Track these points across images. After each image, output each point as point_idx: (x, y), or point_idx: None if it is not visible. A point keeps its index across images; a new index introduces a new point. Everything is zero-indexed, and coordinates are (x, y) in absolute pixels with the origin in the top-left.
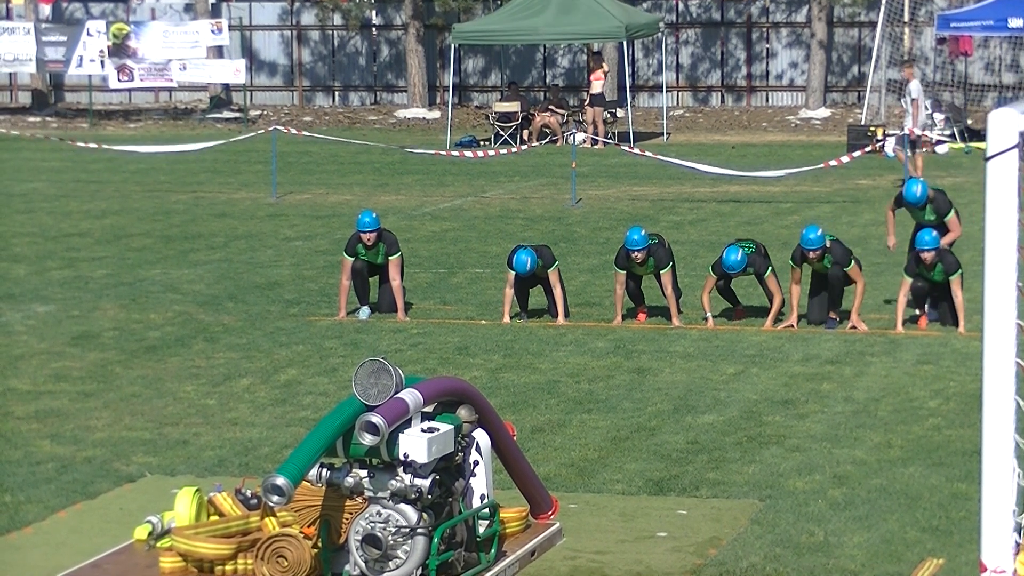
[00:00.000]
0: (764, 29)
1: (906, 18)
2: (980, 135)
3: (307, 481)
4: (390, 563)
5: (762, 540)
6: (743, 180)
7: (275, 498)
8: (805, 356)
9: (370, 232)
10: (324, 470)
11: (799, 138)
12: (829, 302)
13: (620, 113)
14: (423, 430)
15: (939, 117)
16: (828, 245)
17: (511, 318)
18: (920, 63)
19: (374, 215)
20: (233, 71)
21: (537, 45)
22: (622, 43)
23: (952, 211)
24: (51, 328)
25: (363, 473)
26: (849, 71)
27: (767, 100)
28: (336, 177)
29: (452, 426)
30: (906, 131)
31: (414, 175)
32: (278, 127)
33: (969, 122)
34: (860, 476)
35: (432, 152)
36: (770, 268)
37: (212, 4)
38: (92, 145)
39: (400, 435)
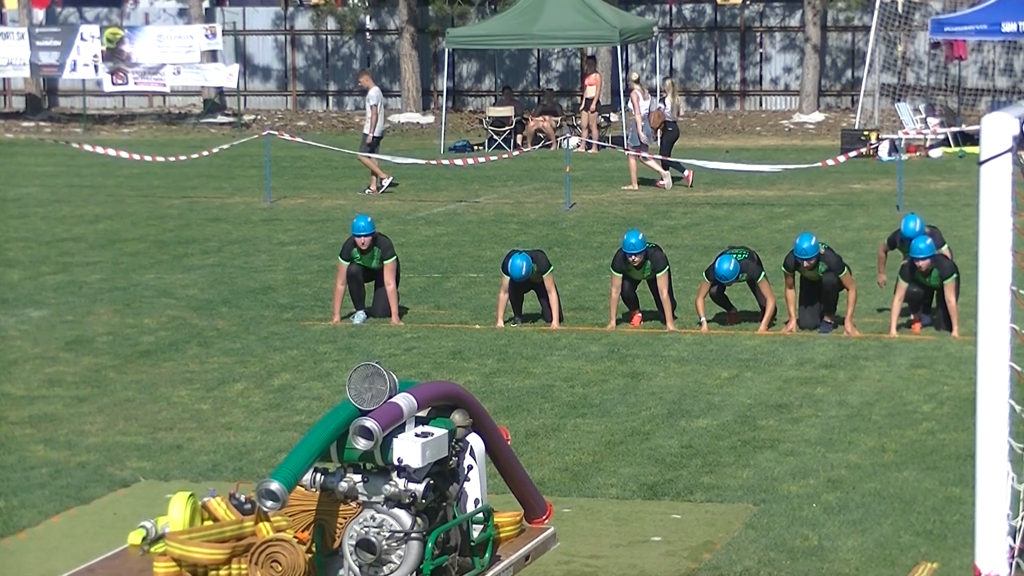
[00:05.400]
0: (758, 33)
1: (900, 22)
2: (974, 139)
3: (301, 486)
4: (384, 568)
5: (756, 544)
6: (737, 184)
7: (269, 503)
8: (799, 360)
9: (365, 236)
10: (318, 475)
11: (793, 142)
12: (824, 308)
13: (614, 117)
14: (417, 434)
15: (933, 121)
16: (822, 252)
17: (505, 322)
18: (915, 67)
19: (369, 219)
20: (227, 75)
21: (531, 49)
22: (616, 47)
23: (945, 246)
24: (45, 333)
25: (357, 478)
26: (843, 75)
27: (761, 104)
28: (330, 181)
29: (446, 430)
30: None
31: (408, 179)
32: (272, 132)
33: (963, 126)
34: (854, 480)
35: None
36: (763, 274)
37: (206, 8)
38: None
39: (394, 439)
